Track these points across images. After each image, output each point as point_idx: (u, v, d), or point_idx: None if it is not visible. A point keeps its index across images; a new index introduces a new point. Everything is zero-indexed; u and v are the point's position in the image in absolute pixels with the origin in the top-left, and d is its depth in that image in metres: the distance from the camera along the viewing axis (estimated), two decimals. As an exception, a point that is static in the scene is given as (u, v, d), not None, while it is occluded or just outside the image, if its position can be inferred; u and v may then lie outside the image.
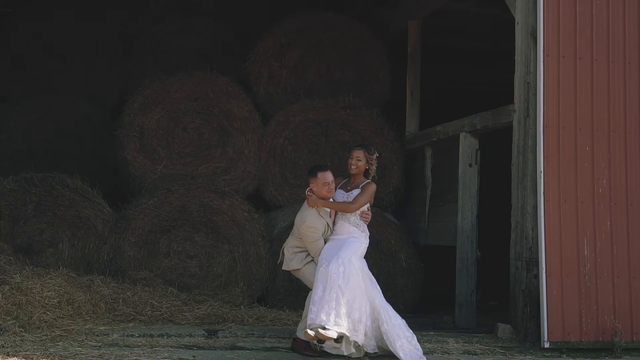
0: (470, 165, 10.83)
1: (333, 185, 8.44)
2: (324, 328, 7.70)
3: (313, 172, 8.51)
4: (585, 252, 9.13)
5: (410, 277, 11.77)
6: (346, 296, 7.89)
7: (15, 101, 13.37)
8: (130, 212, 11.29)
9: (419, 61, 12.97)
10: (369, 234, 8.57)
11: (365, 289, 8.14)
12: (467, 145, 10.87)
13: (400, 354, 8.01)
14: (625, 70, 9.46)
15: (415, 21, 12.95)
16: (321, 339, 7.85)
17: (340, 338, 7.89)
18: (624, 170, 9.35)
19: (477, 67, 15.02)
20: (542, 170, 9.10)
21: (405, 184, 12.48)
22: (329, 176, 8.41)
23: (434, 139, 11.84)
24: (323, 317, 7.77)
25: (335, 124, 12.31)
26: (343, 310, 7.83)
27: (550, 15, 9.29)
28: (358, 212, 8.44)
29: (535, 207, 9.18)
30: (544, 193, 9.09)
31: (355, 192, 8.48)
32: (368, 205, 8.57)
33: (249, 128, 12.19)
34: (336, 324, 7.76)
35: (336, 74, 13.00)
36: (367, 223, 8.54)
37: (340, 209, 8.46)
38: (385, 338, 8.09)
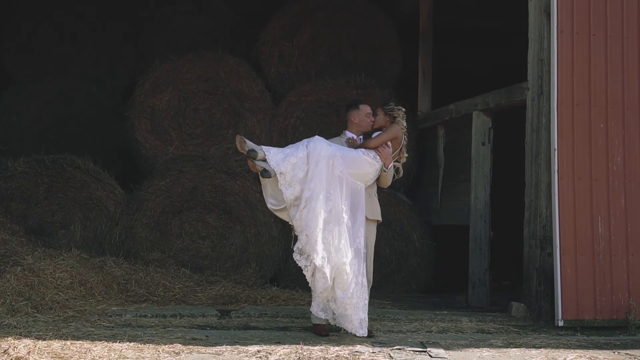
0: (483, 144, 10.76)
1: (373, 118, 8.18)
2: None
3: (355, 104, 8.26)
4: (600, 229, 9.04)
5: (422, 256, 11.78)
6: None
7: (26, 84, 13.34)
8: (142, 193, 11.30)
9: (431, 41, 12.89)
10: (380, 164, 8.05)
11: None
12: (480, 124, 10.80)
13: None
14: (640, 46, 9.37)
15: (426, 0, 12.86)
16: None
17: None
18: (638, 148, 9.23)
19: (489, 46, 14.90)
20: (556, 147, 9.00)
21: (417, 163, 12.42)
22: (368, 107, 8.22)
23: (447, 118, 11.77)
24: None
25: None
26: None
27: (564, -8, 9.19)
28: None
29: (549, 185, 9.10)
30: (557, 171, 9.00)
31: (376, 134, 8.10)
32: (389, 143, 8.09)
33: (260, 108, 12.15)
34: None
35: (347, 54, 12.94)
36: (384, 159, 7.99)
37: (363, 146, 8.06)
38: None
